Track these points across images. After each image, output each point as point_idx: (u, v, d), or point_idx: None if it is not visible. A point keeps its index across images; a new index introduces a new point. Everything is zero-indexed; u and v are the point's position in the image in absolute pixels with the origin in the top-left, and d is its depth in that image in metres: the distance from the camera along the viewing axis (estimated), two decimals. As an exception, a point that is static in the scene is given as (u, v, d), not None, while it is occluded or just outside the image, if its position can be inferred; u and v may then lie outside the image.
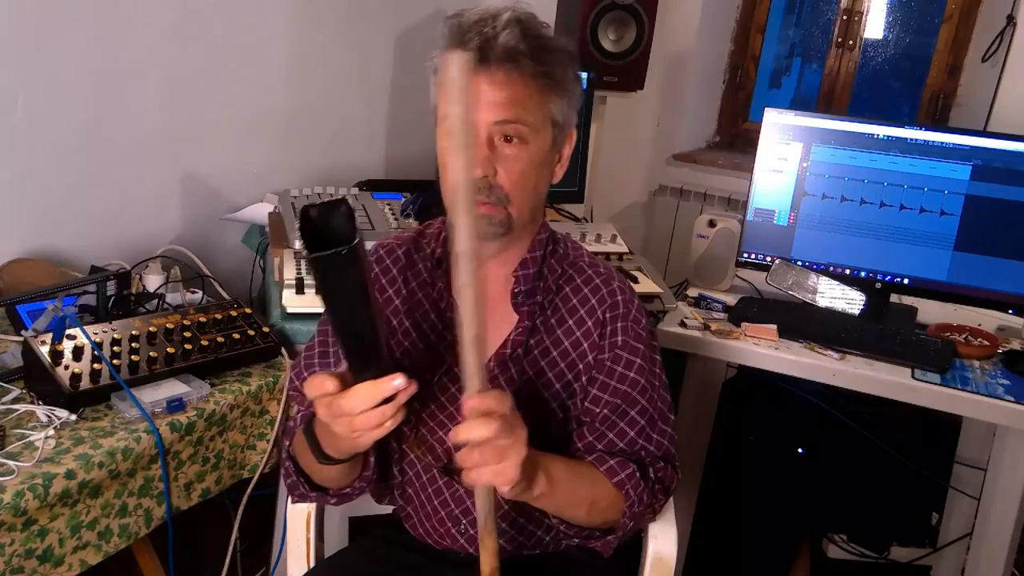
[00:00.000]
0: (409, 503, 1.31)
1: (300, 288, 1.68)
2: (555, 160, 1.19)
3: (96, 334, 1.43)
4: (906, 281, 1.96)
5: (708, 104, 3.24)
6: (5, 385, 1.38)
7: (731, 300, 2.00)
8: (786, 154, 1.98)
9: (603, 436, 1.21)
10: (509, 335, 1.22)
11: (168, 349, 1.47)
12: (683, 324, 1.85)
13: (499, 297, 1.22)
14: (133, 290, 1.70)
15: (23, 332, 1.47)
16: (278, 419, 1.55)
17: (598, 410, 1.21)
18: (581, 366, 1.21)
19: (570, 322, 1.22)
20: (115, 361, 1.40)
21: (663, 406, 1.25)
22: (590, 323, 1.21)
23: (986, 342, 1.87)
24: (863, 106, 3.08)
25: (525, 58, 1.08)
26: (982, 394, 1.67)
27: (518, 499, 1.06)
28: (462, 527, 1.26)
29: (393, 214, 2.01)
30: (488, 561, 1.04)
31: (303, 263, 1.75)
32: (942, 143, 1.88)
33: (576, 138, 1.22)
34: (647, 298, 1.90)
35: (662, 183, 3.10)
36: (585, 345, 1.21)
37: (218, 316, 1.59)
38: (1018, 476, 1.90)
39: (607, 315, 1.21)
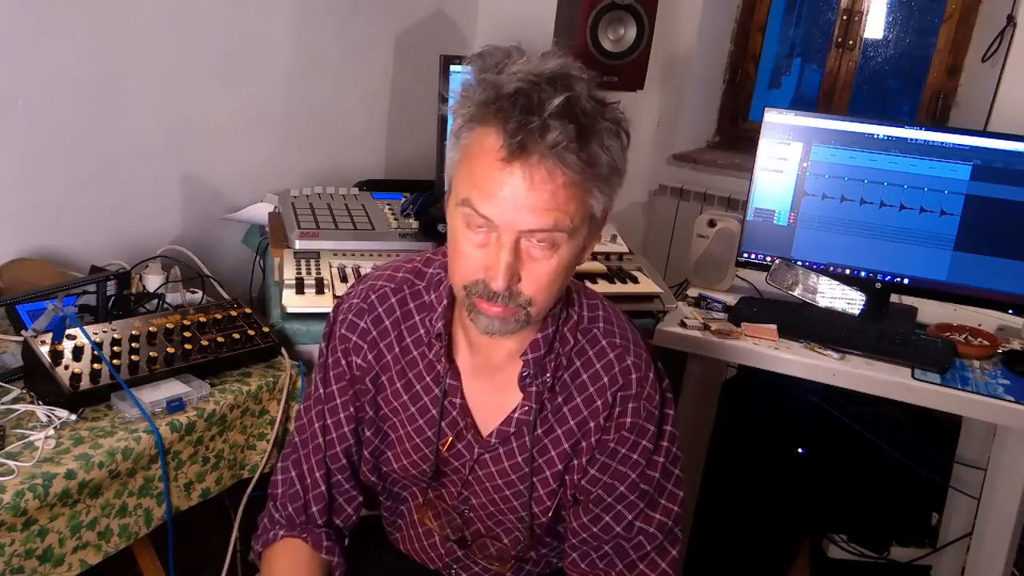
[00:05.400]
0: (399, 532, 1.32)
1: (300, 288, 1.68)
2: (585, 250, 1.05)
3: (96, 334, 1.42)
4: (906, 281, 1.96)
5: (708, 104, 3.24)
6: (5, 385, 1.38)
7: (731, 300, 2.00)
8: (786, 154, 1.98)
9: (598, 519, 1.15)
10: (514, 412, 1.15)
11: (168, 349, 1.47)
12: (683, 324, 1.85)
13: (505, 366, 1.14)
14: (133, 290, 1.70)
15: (23, 332, 1.47)
16: (278, 419, 1.55)
17: (594, 491, 1.15)
18: (584, 446, 1.14)
19: (578, 400, 1.13)
20: (115, 361, 1.40)
21: (666, 479, 1.16)
22: (599, 403, 1.13)
23: (986, 342, 1.86)
24: (863, 106, 3.08)
25: (572, 152, 0.93)
26: (982, 394, 1.67)
27: None
28: (452, 572, 1.28)
29: (393, 214, 2.01)
30: None
31: (303, 262, 1.76)
32: (942, 143, 1.88)
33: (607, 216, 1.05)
34: (647, 298, 1.91)
35: (662, 183, 3.10)
36: (591, 425, 1.13)
37: (218, 316, 1.59)
38: (1018, 476, 1.90)
39: (618, 396, 1.13)
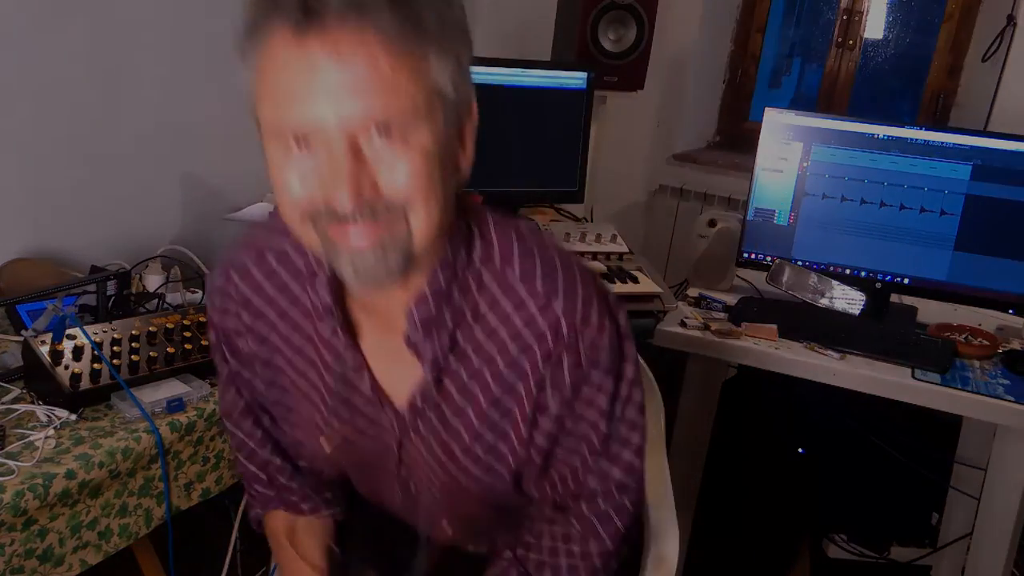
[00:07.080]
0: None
1: (300, 288, 1.67)
2: (455, 148, 0.82)
3: (96, 334, 1.42)
4: (906, 281, 1.96)
5: (708, 104, 3.24)
6: (5, 385, 1.38)
7: (731, 300, 2.00)
8: (786, 154, 1.98)
9: (548, 477, 1.01)
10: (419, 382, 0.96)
11: (168, 349, 1.47)
12: (683, 324, 1.85)
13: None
14: (133, 290, 1.69)
15: (23, 332, 1.47)
16: (278, 419, 1.55)
17: (539, 457, 0.98)
18: (518, 413, 0.94)
19: (500, 363, 0.91)
20: (115, 361, 1.40)
21: (616, 438, 0.98)
22: (527, 366, 0.91)
23: (986, 342, 1.86)
24: (863, 106, 3.08)
25: (381, 5, 0.70)
26: (982, 394, 1.67)
27: None
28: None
29: (393, 214, 2.00)
30: None
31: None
32: (942, 143, 1.88)
33: (478, 115, 0.83)
34: (647, 298, 1.91)
35: (662, 183, 3.10)
36: (521, 390, 0.93)
37: (218, 316, 1.59)
38: (1018, 476, 1.90)
39: (550, 348, 0.90)
